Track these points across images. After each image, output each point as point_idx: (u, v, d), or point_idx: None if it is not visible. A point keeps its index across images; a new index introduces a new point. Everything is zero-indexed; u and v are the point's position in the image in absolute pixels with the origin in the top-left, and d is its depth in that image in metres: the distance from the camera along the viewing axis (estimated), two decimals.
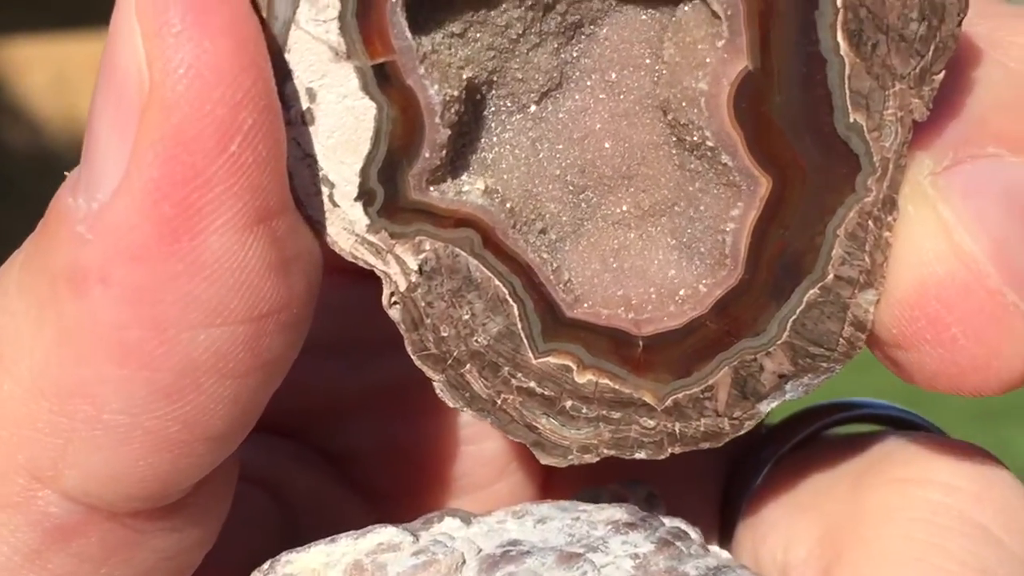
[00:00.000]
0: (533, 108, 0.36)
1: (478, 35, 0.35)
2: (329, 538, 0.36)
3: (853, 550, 0.37)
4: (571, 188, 0.36)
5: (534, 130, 0.36)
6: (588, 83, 0.36)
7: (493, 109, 0.36)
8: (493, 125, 0.36)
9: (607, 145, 0.36)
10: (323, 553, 0.36)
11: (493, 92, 0.36)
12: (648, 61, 0.36)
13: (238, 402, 0.33)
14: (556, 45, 0.36)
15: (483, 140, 0.36)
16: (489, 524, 0.37)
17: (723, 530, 0.44)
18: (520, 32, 0.35)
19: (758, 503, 0.42)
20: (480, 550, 0.35)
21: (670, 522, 0.37)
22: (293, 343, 0.34)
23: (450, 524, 0.37)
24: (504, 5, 0.35)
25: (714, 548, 0.39)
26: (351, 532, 0.36)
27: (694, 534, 0.38)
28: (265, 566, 0.36)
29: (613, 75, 0.36)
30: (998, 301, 0.34)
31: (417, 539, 0.36)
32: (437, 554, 0.35)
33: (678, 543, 0.36)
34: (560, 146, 0.36)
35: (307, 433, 0.44)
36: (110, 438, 0.32)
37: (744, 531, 0.42)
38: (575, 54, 0.36)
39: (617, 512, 0.37)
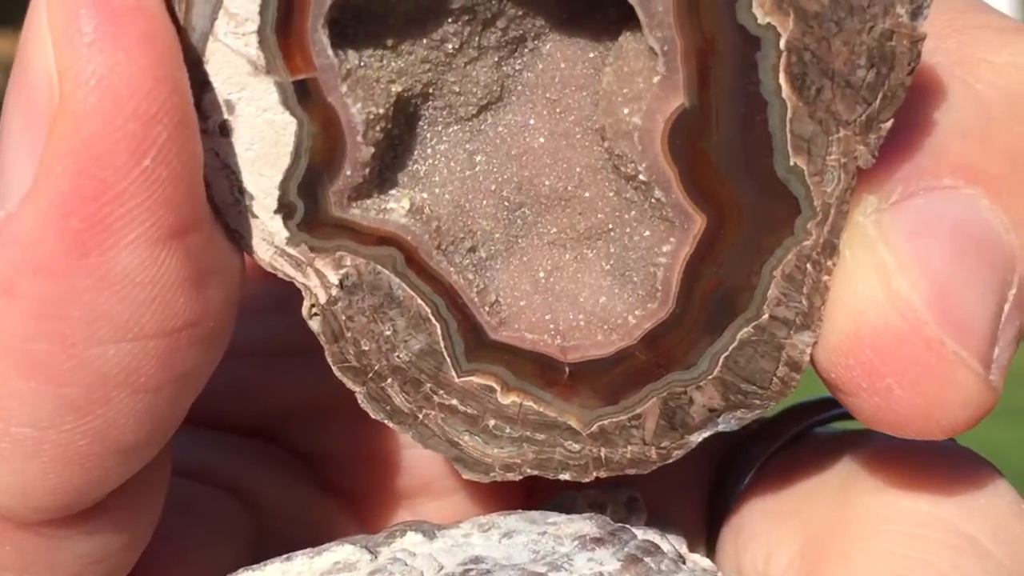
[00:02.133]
0: (472, 121, 0.35)
1: (412, 48, 0.34)
2: (285, 556, 0.35)
3: (833, 563, 0.36)
4: (507, 204, 0.35)
5: (471, 142, 0.35)
6: (530, 99, 0.35)
7: (429, 120, 0.35)
8: (428, 136, 0.35)
9: (546, 164, 0.35)
10: (279, 572, 0.35)
11: (429, 104, 0.35)
12: (591, 82, 0.34)
13: (151, 415, 0.32)
14: (497, 59, 0.34)
15: (417, 151, 0.35)
16: (454, 538, 0.36)
17: (711, 533, 0.43)
18: (457, 46, 0.34)
19: (742, 507, 0.40)
20: (441, 567, 0.35)
21: (643, 534, 0.37)
22: (210, 356, 0.33)
23: (412, 539, 0.36)
24: (439, 19, 0.34)
25: (694, 557, 0.38)
26: (308, 550, 0.35)
27: (668, 545, 0.37)
28: None
29: (555, 93, 0.35)
30: (935, 351, 0.33)
31: (375, 556, 0.35)
32: (394, 574, 0.34)
33: (647, 559, 0.35)
34: (497, 161, 0.35)
35: (279, 435, 0.44)
36: (17, 451, 0.32)
37: (727, 536, 0.41)
38: (517, 68, 0.35)
39: (586, 525, 0.36)
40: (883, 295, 0.33)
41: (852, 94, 0.32)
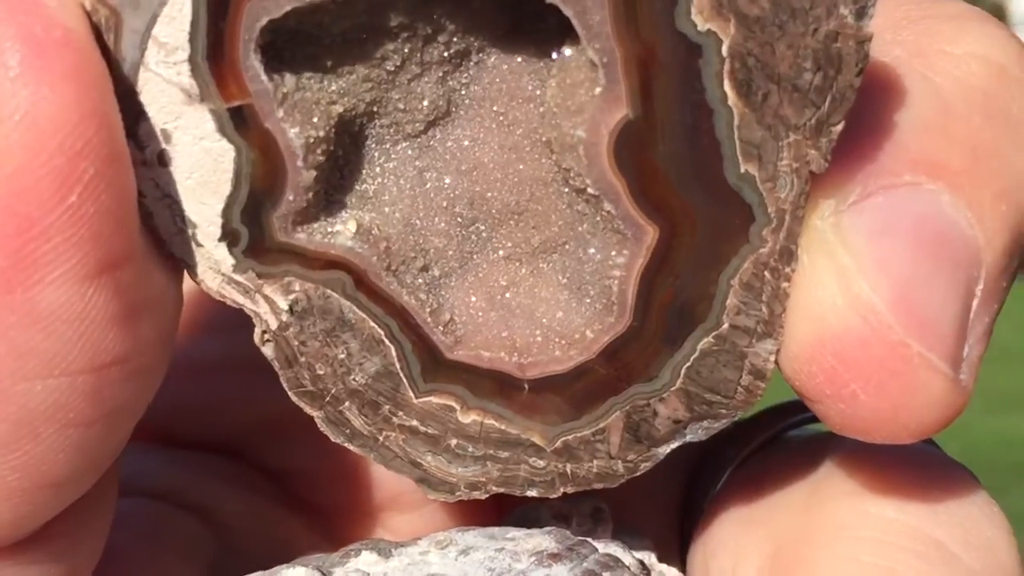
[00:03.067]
0: (420, 137, 0.34)
1: (351, 68, 0.33)
2: None
3: (799, 573, 0.35)
4: (459, 220, 0.34)
5: (421, 159, 0.34)
6: (477, 113, 0.34)
7: (375, 139, 0.34)
8: (376, 155, 0.34)
9: (497, 178, 0.34)
10: None
11: (374, 122, 0.34)
12: (537, 94, 0.34)
13: (82, 450, 0.32)
14: (441, 74, 0.34)
15: (365, 170, 0.34)
16: (411, 556, 0.35)
17: (685, 539, 0.42)
18: (399, 63, 0.33)
19: (713, 513, 0.40)
20: None
21: (604, 547, 0.36)
22: (143, 389, 0.33)
23: (367, 559, 0.35)
24: (378, 38, 0.33)
25: (661, 567, 0.37)
26: (260, 573, 0.35)
27: (630, 559, 0.36)
28: None
29: (502, 107, 0.34)
30: (900, 354, 0.32)
31: None
32: None
33: (605, 574, 0.34)
34: (448, 177, 0.34)
35: (246, 451, 0.44)
36: None
37: (697, 544, 0.40)
38: (464, 81, 0.34)
39: (545, 540, 0.35)
40: (843, 299, 0.32)
41: (800, 98, 0.31)
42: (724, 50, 0.31)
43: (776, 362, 0.34)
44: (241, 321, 0.35)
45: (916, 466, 0.36)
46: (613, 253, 0.33)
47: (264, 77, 0.32)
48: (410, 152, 0.34)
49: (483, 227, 0.35)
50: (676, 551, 0.42)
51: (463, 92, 0.34)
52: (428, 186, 0.34)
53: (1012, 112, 0.34)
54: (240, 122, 0.32)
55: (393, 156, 0.34)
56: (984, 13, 0.35)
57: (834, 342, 0.32)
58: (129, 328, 0.31)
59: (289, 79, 0.32)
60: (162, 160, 0.32)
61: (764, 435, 0.41)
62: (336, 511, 0.43)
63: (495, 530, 0.36)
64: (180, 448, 0.43)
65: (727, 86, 0.31)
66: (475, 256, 0.35)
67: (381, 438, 0.35)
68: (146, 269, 0.32)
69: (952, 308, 0.32)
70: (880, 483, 0.35)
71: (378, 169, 0.34)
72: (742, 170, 0.32)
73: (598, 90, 0.31)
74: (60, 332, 0.30)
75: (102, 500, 0.35)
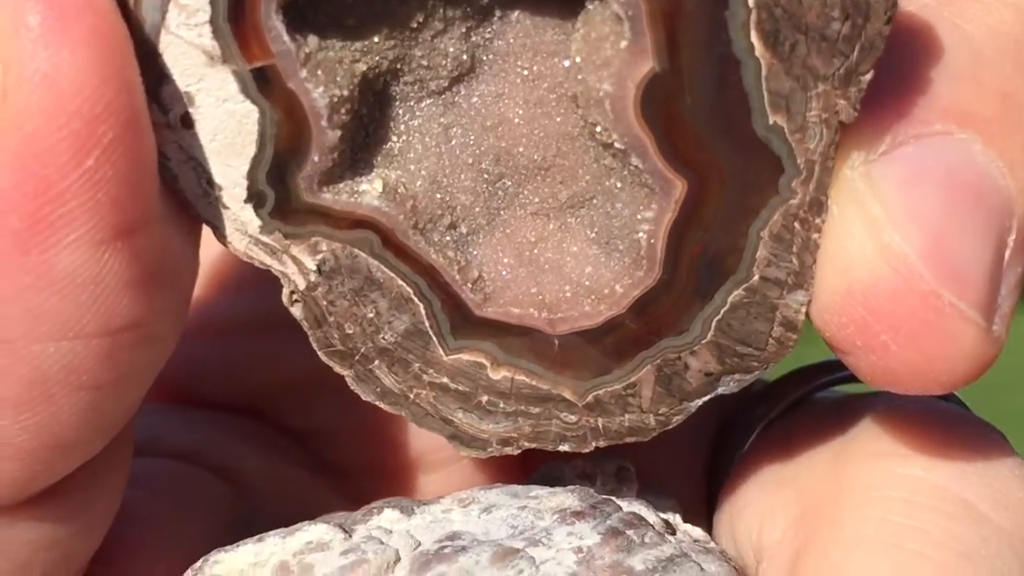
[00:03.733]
0: (444, 94, 0.34)
1: (374, 25, 0.33)
2: (257, 536, 0.35)
3: (824, 533, 0.35)
4: (486, 176, 0.34)
5: (446, 116, 0.34)
6: (502, 68, 0.34)
7: (399, 97, 0.34)
8: (401, 112, 0.34)
9: (523, 133, 0.34)
10: (251, 553, 0.35)
11: (398, 80, 0.34)
12: (562, 48, 0.33)
13: (94, 412, 0.32)
14: (464, 29, 0.33)
15: (390, 129, 0.34)
16: (433, 514, 0.35)
17: (712, 499, 0.42)
18: (422, 20, 0.33)
19: (739, 474, 0.39)
20: (418, 544, 0.34)
21: (628, 506, 0.36)
22: (156, 355, 0.33)
23: (389, 516, 0.35)
24: None
25: (685, 527, 0.37)
26: (280, 530, 0.35)
27: (654, 517, 0.36)
28: (197, 564, 0.35)
29: (527, 61, 0.34)
30: (932, 304, 0.31)
31: (350, 535, 0.34)
32: (367, 552, 0.34)
33: (629, 532, 0.34)
34: (473, 133, 0.34)
35: (269, 412, 0.44)
36: None
37: (724, 504, 0.40)
38: (487, 37, 0.34)
39: (568, 498, 0.35)
40: (873, 249, 0.32)
41: (828, 47, 0.31)
42: (751, 1, 0.30)
43: (807, 313, 0.33)
44: (263, 280, 0.35)
45: (946, 427, 0.35)
46: (641, 207, 0.33)
47: (286, 37, 0.31)
48: (434, 109, 0.34)
49: (510, 183, 0.34)
50: (703, 511, 0.42)
51: (487, 47, 0.34)
52: (454, 143, 0.34)
53: None
54: (263, 83, 0.32)
55: (418, 113, 0.34)
56: None
57: (864, 292, 0.32)
58: (144, 294, 0.31)
59: (312, 39, 0.32)
60: (186, 122, 0.32)
61: (793, 396, 0.41)
62: (360, 471, 0.43)
63: (518, 488, 0.36)
64: (203, 408, 0.43)
65: (754, 36, 0.31)
66: (503, 212, 0.34)
67: (411, 395, 0.35)
68: (163, 235, 0.32)
69: (985, 258, 0.32)
70: (909, 443, 0.35)
71: (403, 127, 0.34)
72: (770, 121, 0.31)
73: (624, 44, 0.31)
74: (74, 295, 0.30)
75: (115, 461, 0.35)
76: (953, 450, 0.35)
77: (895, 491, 0.34)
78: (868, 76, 0.31)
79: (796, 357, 0.37)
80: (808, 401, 0.41)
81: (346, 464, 0.43)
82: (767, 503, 0.37)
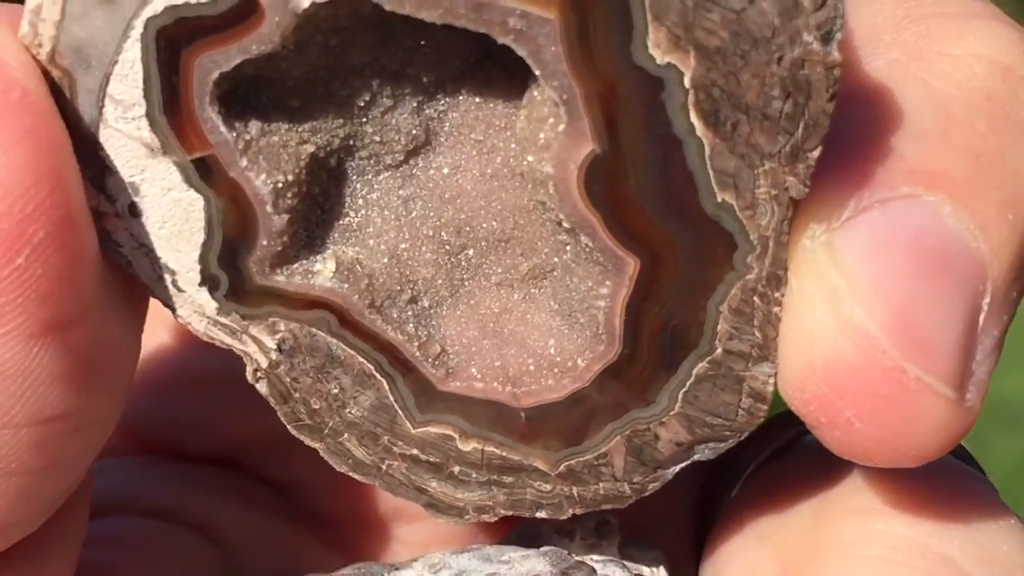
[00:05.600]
0: (402, 167, 0.33)
1: (320, 106, 0.32)
2: None
3: None
4: (448, 248, 0.34)
5: (404, 188, 0.33)
6: (457, 140, 0.33)
7: (356, 171, 0.33)
8: (358, 187, 0.33)
9: (481, 205, 0.33)
10: None
11: (353, 155, 0.33)
12: (512, 122, 0.33)
13: (26, 496, 0.32)
14: (415, 104, 0.33)
15: (347, 204, 0.33)
16: None
17: (700, 544, 0.41)
18: (368, 99, 0.32)
19: (723, 525, 0.38)
20: None
21: (603, 568, 0.35)
22: (93, 440, 0.33)
23: None
24: (343, 76, 0.32)
25: None
26: None
27: None
28: None
29: (480, 134, 0.33)
30: (896, 380, 0.30)
31: None
32: None
33: None
34: (433, 205, 0.33)
35: (247, 463, 0.43)
36: None
37: (708, 554, 0.39)
38: (441, 109, 0.33)
39: (540, 563, 0.35)
40: (834, 324, 0.30)
41: (771, 126, 0.29)
42: (687, 82, 0.29)
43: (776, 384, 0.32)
44: None
45: (929, 477, 0.34)
46: (596, 283, 0.32)
47: (223, 128, 0.31)
48: (393, 182, 0.33)
49: (472, 253, 0.34)
50: (692, 558, 0.41)
51: (441, 120, 0.33)
52: (414, 215, 0.34)
53: (1018, 115, 0.31)
54: (205, 172, 0.32)
55: (376, 187, 0.33)
56: (992, 9, 0.33)
57: (826, 369, 0.31)
58: (77, 384, 0.31)
59: (254, 125, 0.32)
60: (134, 212, 0.32)
61: (780, 440, 0.40)
62: (340, 521, 0.43)
63: (491, 551, 0.35)
64: (180, 461, 0.43)
65: (694, 117, 0.30)
66: (467, 283, 0.34)
67: (384, 467, 0.35)
68: (101, 325, 0.32)
69: (955, 327, 0.30)
70: (890, 497, 0.34)
71: (361, 201, 0.34)
72: (719, 199, 0.30)
73: (562, 127, 0.30)
74: (3, 387, 0.30)
75: (66, 527, 0.35)
76: (936, 503, 0.34)
77: (875, 549, 0.33)
78: (816, 152, 0.30)
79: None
80: (796, 445, 0.40)
81: (326, 514, 0.43)
82: (749, 559, 0.36)
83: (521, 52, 0.30)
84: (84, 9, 0.30)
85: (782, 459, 0.39)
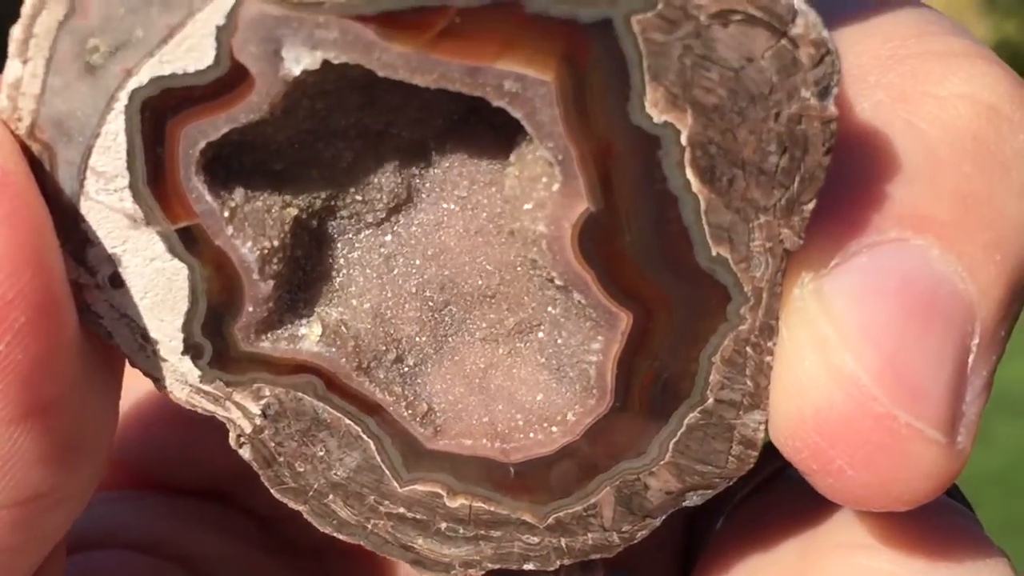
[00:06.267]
0: (383, 225, 0.33)
1: (303, 170, 0.32)
2: None
3: None
4: (431, 305, 0.33)
5: (386, 246, 0.33)
6: (440, 197, 0.33)
7: (336, 231, 0.33)
8: (339, 247, 0.33)
9: (465, 261, 0.33)
10: None
11: (334, 215, 0.33)
12: (499, 178, 0.32)
13: (5, 570, 0.31)
14: (397, 163, 0.32)
15: (329, 264, 0.33)
16: None
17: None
18: (351, 159, 0.32)
19: (711, 558, 0.38)
20: None
21: None
22: (70, 513, 0.32)
23: None
24: (327, 138, 0.32)
25: None
26: None
27: None
28: None
29: (464, 191, 0.33)
30: (887, 427, 0.30)
31: None
32: None
33: None
34: (415, 262, 0.33)
35: (232, 496, 0.43)
36: None
37: None
38: (422, 167, 0.33)
39: None
40: (824, 372, 0.30)
41: (767, 180, 0.30)
42: (683, 140, 0.29)
43: (767, 431, 0.33)
44: None
45: (916, 513, 0.34)
46: (588, 338, 0.32)
47: (209, 197, 0.31)
48: (374, 240, 0.33)
49: (456, 309, 0.33)
50: None
51: (423, 176, 0.33)
52: (395, 272, 0.33)
53: (1004, 155, 0.31)
54: (190, 242, 0.31)
55: (357, 246, 0.33)
56: (977, 48, 0.33)
57: (816, 417, 0.31)
58: (57, 464, 0.30)
59: (238, 191, 0.31)
60: (115, 283, 0.31)
61: (764, 472, 0.40)
62: (325, 553, 0.43)
63: None
64: (165, 494, 0.43)
65: (689, 174, 0.30)
66: (451, 339, 0.34)
67: (369, 526, 0.34)
68: (80, 405, 0.31)
69: (944, 371, 0.31)
70: (877, 532, 0.34)
71: (342, 261, 0.33)
72: (713, 253, 0.30)
73: (556, 186, 0.30)
74: None
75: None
76: (923, 540, 0.34)
77: None
78: (811, 205, 0.30)
79: None
80: (780, 478, 0.40)
81: (311, 546, 0.43)
82: None
83: (516, 114, 0.29)
84: (66, 82, 0.29)
85: (766, 492, 0.39)
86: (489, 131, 0.32)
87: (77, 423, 0.31)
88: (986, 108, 0.32)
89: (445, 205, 0.33)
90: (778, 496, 0.39)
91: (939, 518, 0.35)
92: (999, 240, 0.31)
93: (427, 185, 0.33)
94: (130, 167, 0.30)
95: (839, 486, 0.31)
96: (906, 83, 0.32)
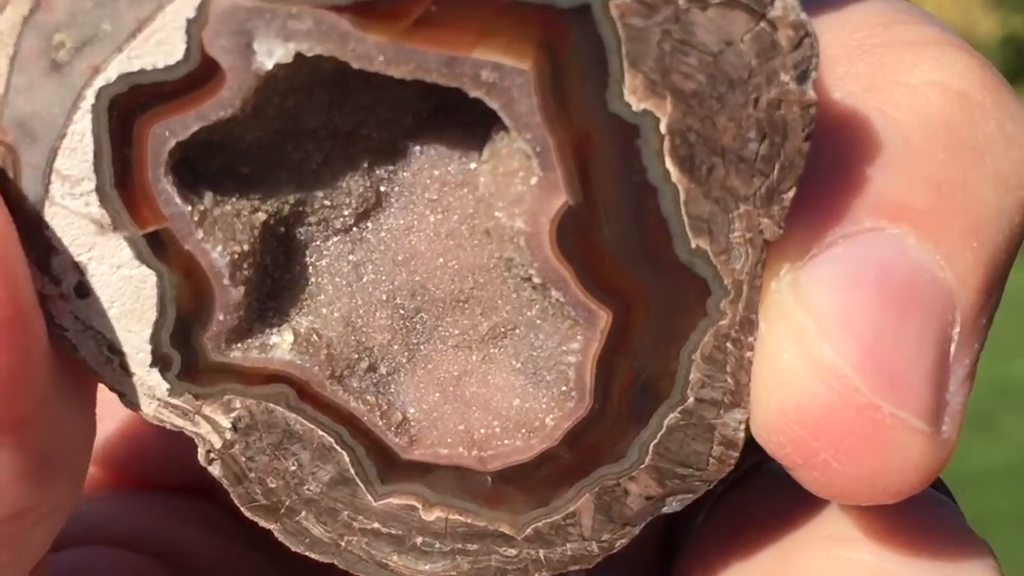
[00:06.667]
0: (351, 231, 0.32)
1: (272, 172, 0.31)
2: None
3: None
4: (402, 312, 0.33)
5: (354, 253, 0.32)
6: (409, 200, 0.32)
7: (304, 238, 0.32)
8: (307, 255, 0.32)
9: (436, 266, 0.32)
10: None
11: (302, 222, 0.32)
12: (470, 178, 0.32)
13: None
14: (366, 165, 0.32)
15: (297, 272, 0.32)
16: None
17: (665, 574, 0.41)
18: (320, 161, 0.31)
19: (690, 551, 0.38)
20: None
21: None
22: (53, 526, 0.31)
23: None
24: (297, 138, 0.31)
25: None
26: None
27: None
28: None
29: (434, 193, 0.32)
30: (870, 417, 0.30)
31: None
32: None
33: None
34: (385, 268, 0.32)
35: (218, 491, 0.42)
36: None
37: None
38: (391, 169, 0.32)
39: None
40: (805, 364, 0.30)
41: (746, 168, 0.29)
42: (663, 128, 0.29)
43: (748, 429, 0.32)
44: None
45: (896, 504, 0.34)
46: (566, 339, 0.32)
47: (179, 199, 0.30)
48: (342, 247, 0.32)
49: (427, 317, 0.33)
50: None
51: (391, 180, 0.32)
52: (365, 280, 0.33)
53: (977, 141, 0.31)
54: (158, 247, 0.30)
55: (325, 253, 0.32)
56: (946, 35, 0.33)
57: (799, 411, 0.30)
58: (36, 480, 0.30)
59: (207, 195, 0.30)
60: (80, 292, 0.30)
61: (748, 463, 0.39)
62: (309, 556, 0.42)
63: None
64: (151, 490, 0.42)
65: (669, 163, 0.29)
66: (422, 347, 0.33)
67: (343, 543, 0.33)
68: (55, 418, 0.30)
69: (926, 360, 0.30)
70: (857, 524, 0.34)
71: (311, 269, 0.32)
72: (693, 245, 0.30)
73: (534, 179, 0.30)
74: None
75: None
76: (904, 532, 0.34)
77: None
78: (791, 193, 0.30)
79: None
80: (760, 471, 0.39)
81: None
82: None
83: (493, 105, 0.29)
84: (31, 81, 0.28)
85: (746, 485, 0.39)
86: (460, 130, 0.32)
87: (53, 437, 0.30)
88: (957, 95, 0.32)
89: (415, 209, 0.32)
90: (758, 491, 0.38)
91: (920, 509, 0.35)
92: (975, 227, 0.31)
93: (396, 189, 0.32)
94: (97, 169, 0.29)
95: (825, 480, 0.31)
96: (875, 72, 0.32)
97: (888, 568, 0.33)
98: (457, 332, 0.33)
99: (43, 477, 0.30)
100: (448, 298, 0.33)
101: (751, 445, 0.39)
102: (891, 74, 0.32)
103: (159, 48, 0.28)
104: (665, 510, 0.33)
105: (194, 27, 0.28)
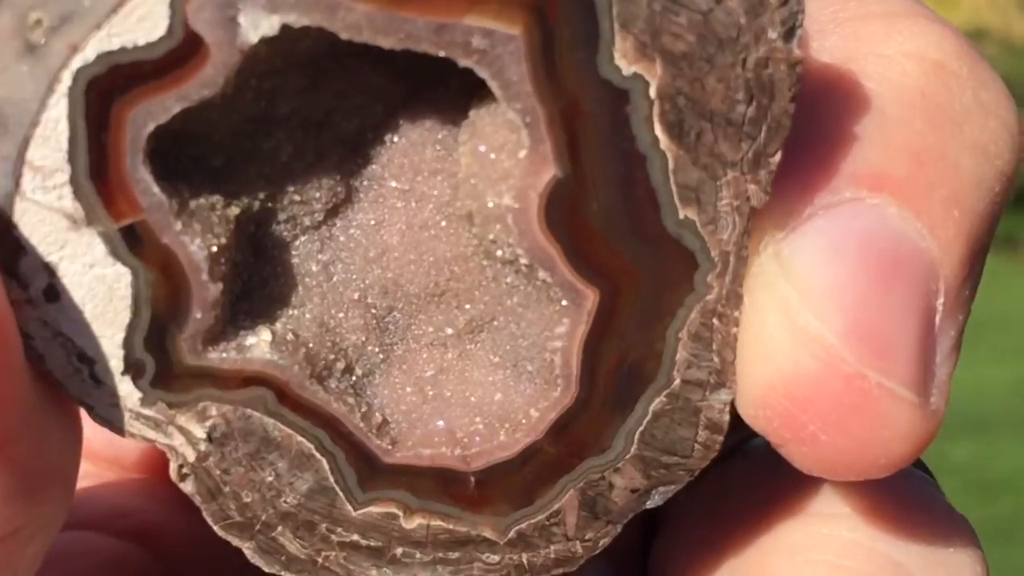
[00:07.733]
0: (320, 229, 0.31)
1: (243, 165, 0.30)
2: None
3: None
4: (374, 312, 0.32)
5: (323, 252, 0.31)
6: (379, 194, 0.31)
7: (273, 237, 0.31)
8: (277, 254, 0.31)
9: (410, 260, 0.32)
10: None
11: (271, 220, 0.31)
12: (445, 165, 0.31)
13: None
14: (337, 157, 0.31)
15: (267, 273, 0.31)
16: None
17: (647, 548, 0.40)
18: (291, 153, 0.30)
19: (671, 527, 0.37)
20: None
21: None
22: (44, 541, 0.30)
23: None
24: (268, 128, 0.30)
25: None
26: None
27: None
28: None
29: (406, 183, 0.31)
30: (857, 387, 0.29)
31: None
32: None
33: None
34: (355, 267, 0.31)
35: None
36: None
37: (655, 559, 0.38)
38: (360, 162, 0.31)
39: None
40: (789, 336, 0.30)
41: (735, 132, 0.29)
42: (652, 92, 0.29)
43: (733, 410, 0.32)
44: None
45: (875, 481, 0.34)
46: (551, 324, 0.31)
47: (156, 188, 0.29)
48: (311, 247, 0.31)
49: (400, 315, 0.32)
50: (639, 565, 0.39)
51: (361, 174, 0.31)
52: (335, 280, 0.32)
53: (955, 110, 0.32)
54: (134, 242, 0.29)
55: (294, 253, 0.31)
56: (918, 7, 0.33)
57: (785, 383, 0.30)
58: (24, 498, 0.28)
59: (183, 187, 0.29)
60: (49, 296, 0.29)
61: (729, 441, 0.39)
62: None
63: None
64: (126, 471, 0.41)
65: (658, 129, 0.29)
66: (396, 347, 0.32)
67: (320, 559, 0.32)
68: (40, 434, 0.29)
69: (911, 329, 0.30)
70: (836, 500, 0.33)
71: (280, 269, 0.31)
72: (681, 216, 0.30)
73: (522, 152, 0.29)
74: None
75: None
76: (883, 507, 0.33)
77: (821, 554, 0.33)
78: (777, 157, 0.30)
79: None
80: (741, 450, 0.39)
81: None
82: (696, 567, 0.35)
83: (483, 74, 0.28)
84: (3, 65, 0.27)
85: (728, 464, 0.38)
86: (433, 116, 0.31)
87: (38, 452, 0.29)
88: (933, 65, 0.32)
89: (385, 201, 0.32)
90: (738, 468, 0.37)
91: (898, 484, 0.34)
92: (956, 196, 0.31)
93: (366, 183, 0.31)
94: (71, 158, 0.28)
95: (814, 454, 0.31)
96: (849, 45, 0.32)
97: (868, 544, 0.33)
98: (432, 330, 0.32)
99: (32, 494, 0.28)
100: (422, 293, 0.32)
101: (732, 424, 0.38)
102: (865, 46, 0.32)
103: (140, 24, 0.27)
104: (648, 504, 0.33)
105: (178, 0, 0.27)
